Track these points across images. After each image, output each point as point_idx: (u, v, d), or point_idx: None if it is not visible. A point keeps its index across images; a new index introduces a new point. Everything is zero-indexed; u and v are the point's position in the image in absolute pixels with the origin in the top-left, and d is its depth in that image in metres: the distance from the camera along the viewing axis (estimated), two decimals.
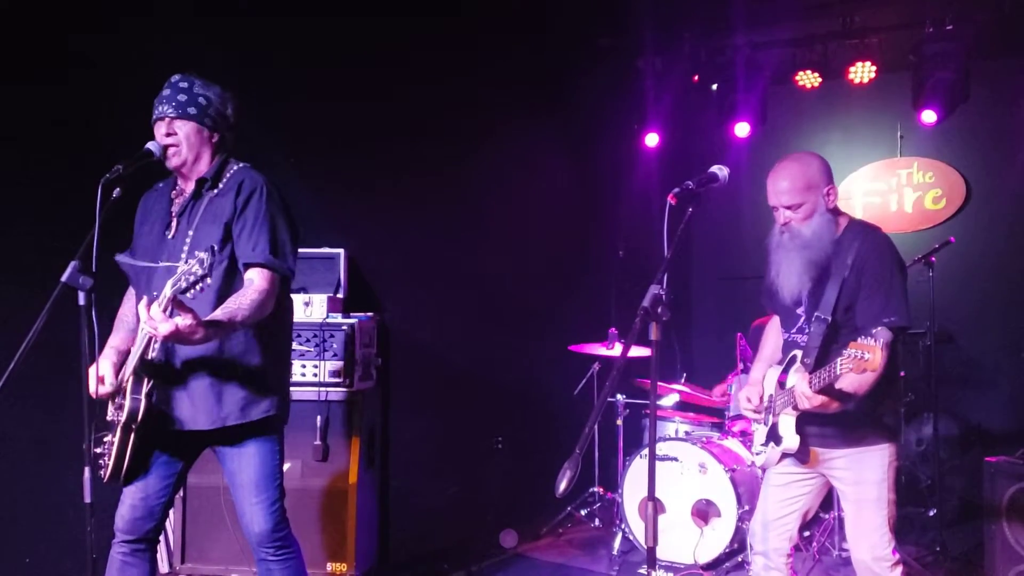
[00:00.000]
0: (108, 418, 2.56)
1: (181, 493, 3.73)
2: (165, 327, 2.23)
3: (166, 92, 2.63)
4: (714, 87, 6.22)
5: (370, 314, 4.06)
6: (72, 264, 2.27)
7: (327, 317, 3.86)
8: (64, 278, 2.26)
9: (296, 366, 3.77)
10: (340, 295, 4.08)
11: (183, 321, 2.24)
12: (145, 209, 2.76)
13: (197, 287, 2.21)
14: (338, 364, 3.81)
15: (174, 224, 2.64)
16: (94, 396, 2.47)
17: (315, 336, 3.82)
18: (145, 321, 2.27)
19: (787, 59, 6.07)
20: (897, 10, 5.74)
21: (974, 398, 5.89)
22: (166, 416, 2.55)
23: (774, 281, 2.81)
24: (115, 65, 3.60)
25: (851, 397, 2.58)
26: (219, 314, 2.40)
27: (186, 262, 2.21)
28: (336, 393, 3.83)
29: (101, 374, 2.54)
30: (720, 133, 6.25)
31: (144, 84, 2.71)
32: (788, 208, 2.73)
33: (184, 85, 2.63)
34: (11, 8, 3.43)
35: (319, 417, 3.79)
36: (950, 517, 5.13)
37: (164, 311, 2.25)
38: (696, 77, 6.28)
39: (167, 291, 2.24)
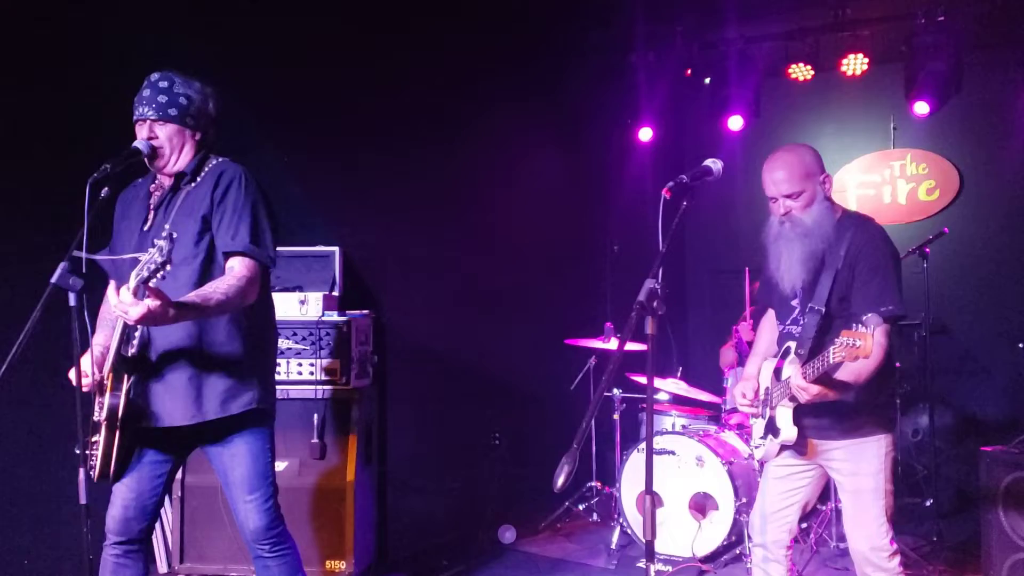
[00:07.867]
0: (93, 419, 2.53)
1: (179, 493, 3.72)
2: (136, 310, 2.19)
3: (146, 92, 2.58)
4: (707, 81, 6.24)
5: (366, 312, 4.05)
6: (62, 265, 2.23)
7: (323, 315, 3.85)
8: (54, 279, 2.23)
9: (292, 364, 3.77)
10: (336, 293, 4.07)
11: (153, 303, 2.21)
12: (124, 206, 2.73)
13: (159, 275, 2.18)
14: (334, 362, 3.80)
15: (151, 217, 2.62)
16: (83, 390, 2.44)
17: (311, 334, 3.81)
18: (115, 306, 2.24)
19: (779, 52, 6.09)
20: (888, 2, 5.76)
21: (969, 388, 5.91)
22: (147, 412, 2.51)
23: (775, 272, 2.80)
24: (108, 63, 3.58)
25: (849, 387, 2.58)
26: (192, 296, 2.37)
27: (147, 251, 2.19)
28: (332, 391, 3.83)
29: (84, 369, 2.51)
30: (713, 127, 6.27)
31: (135, 81, 2.68)
32: (788, 197, 2.72)
33: (164, 85, 2.58)
34: (8, 9, 3.41)
35: (316, 415, 3.78)
36: (947, 507, 5.16)
37: (134, 295, 2.21)
38: (689, 71, 6.29)
39: (132, 282, 2.21)
